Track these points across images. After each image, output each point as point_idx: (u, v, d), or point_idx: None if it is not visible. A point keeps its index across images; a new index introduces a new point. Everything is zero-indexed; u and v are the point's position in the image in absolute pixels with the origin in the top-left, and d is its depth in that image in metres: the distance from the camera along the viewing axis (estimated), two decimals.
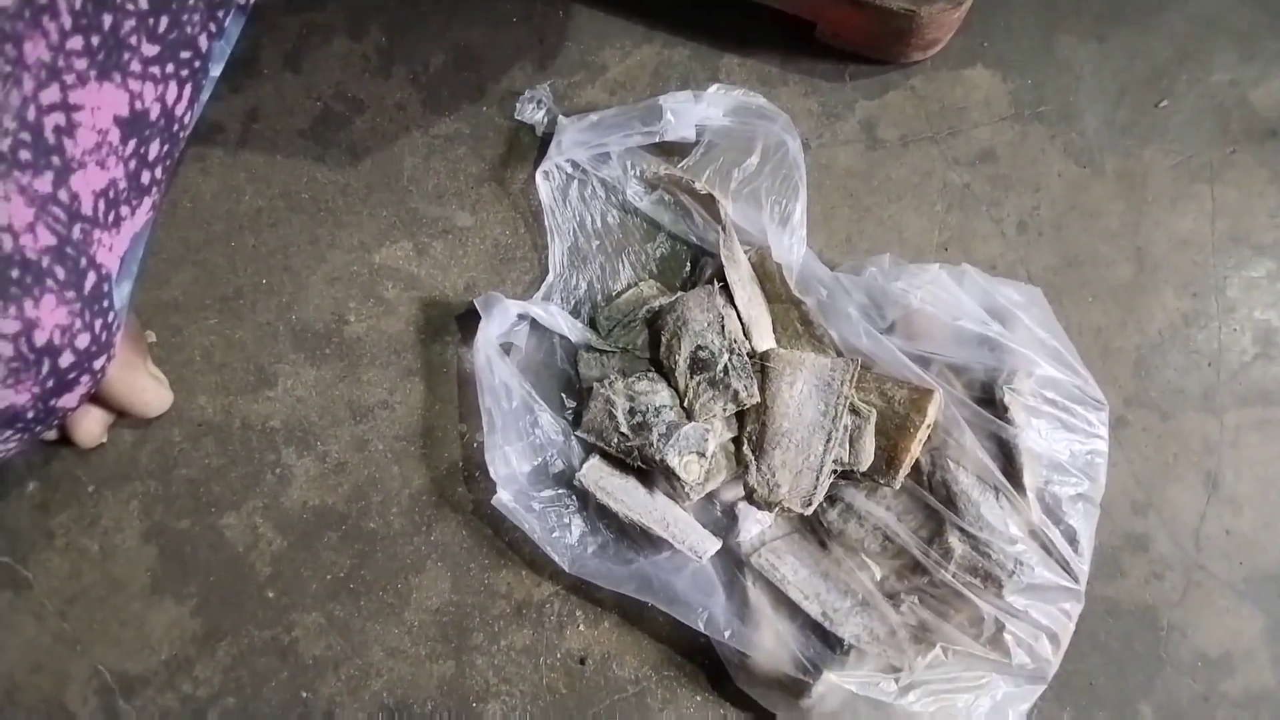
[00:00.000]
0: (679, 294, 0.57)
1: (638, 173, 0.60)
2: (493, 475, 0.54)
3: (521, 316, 0.57)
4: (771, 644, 0.52)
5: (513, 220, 0.62)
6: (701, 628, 0.52)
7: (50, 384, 0.42)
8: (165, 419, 0.59)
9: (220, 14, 0.46)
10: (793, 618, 0.53)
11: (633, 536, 0.55)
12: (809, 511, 0.52)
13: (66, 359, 0.42)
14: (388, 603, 0.57)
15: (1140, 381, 0.60)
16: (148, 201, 0.47)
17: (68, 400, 0.44)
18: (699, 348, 0.54)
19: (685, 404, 0.54)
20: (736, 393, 0.53)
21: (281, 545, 0.58)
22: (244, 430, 0.59)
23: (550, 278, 0.60)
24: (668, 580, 0.53)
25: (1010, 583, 0.51)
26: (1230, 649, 0.57)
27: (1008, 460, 0.52)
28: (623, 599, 0.55)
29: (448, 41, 0.65)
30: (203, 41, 0.45)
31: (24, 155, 0.38)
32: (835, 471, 0.53)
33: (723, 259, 0.56)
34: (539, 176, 0.60)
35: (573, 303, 0.60)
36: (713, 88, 0.58)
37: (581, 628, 0.57)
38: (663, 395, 0.54)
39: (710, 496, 0.55)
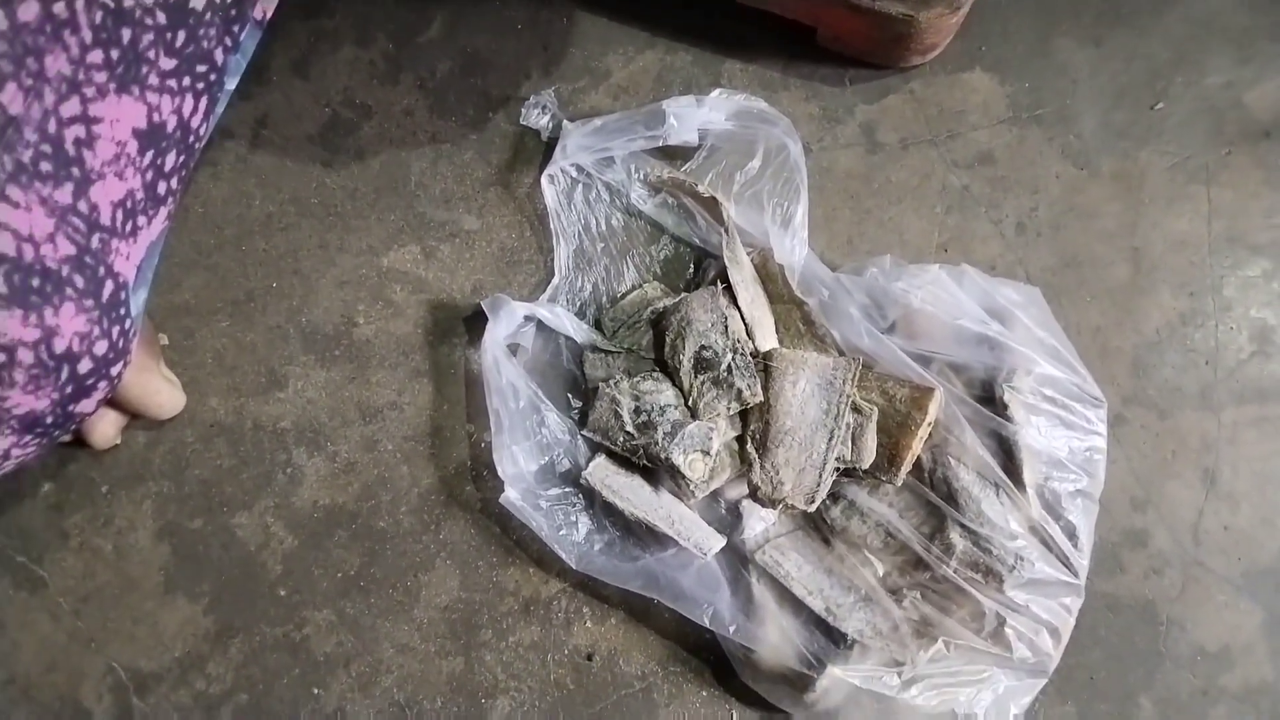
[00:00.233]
0: (683, 295, 0.57)
1: (641, 176, 0.61)
2: (500, 474, 0.54)
3: (528, 318, 0.58)
4: (776, 639, 0.52)
5: (519, 224, 0.63)
6: (707, 623, 0.52)
7: (69, 390, 0.43)
8: (178, 420, 0.59)
9: (236, 28, 0.46)
10: (797, 613, 0.53)
11: (638, 534, 0.55)
12: (812, 508, 0.53)
13: (85, 366, 0.43)
14: (397, 600, 0.58)
15: (1138, 380, 0.61)
16: (164, 211, 0.47)
17: (86, 406, 0.45)
18: (703, 348, 0.54)
19: (690, 403, 0.54)
20: (740, 392, 0.53)
21: (292, 544, 0.59)
22: (255, 431, 0.60)
23: (556, 280, 0.60)
24: (673, 577, 0.53)
25: (1011, 578, 0.51)
26: (1229, 643, 0.58)
27: (1008, 457, 0.53)
28: (629, 595, 0.55)
29: (454, 48, 0.65)
30: (219, 55, 0.46)
31: (45, 167, 0.38)
32: (838, 469, 0.53)
33: (726, 261, 0.56)
34: (544, 180, 0.61)
35: (578, 304, 0.61)
36: (715, 92, 0.59)
37: (588, 624, 0.58)
38: (667, 395, 0.55)
39: (715, 494, 0.56)
